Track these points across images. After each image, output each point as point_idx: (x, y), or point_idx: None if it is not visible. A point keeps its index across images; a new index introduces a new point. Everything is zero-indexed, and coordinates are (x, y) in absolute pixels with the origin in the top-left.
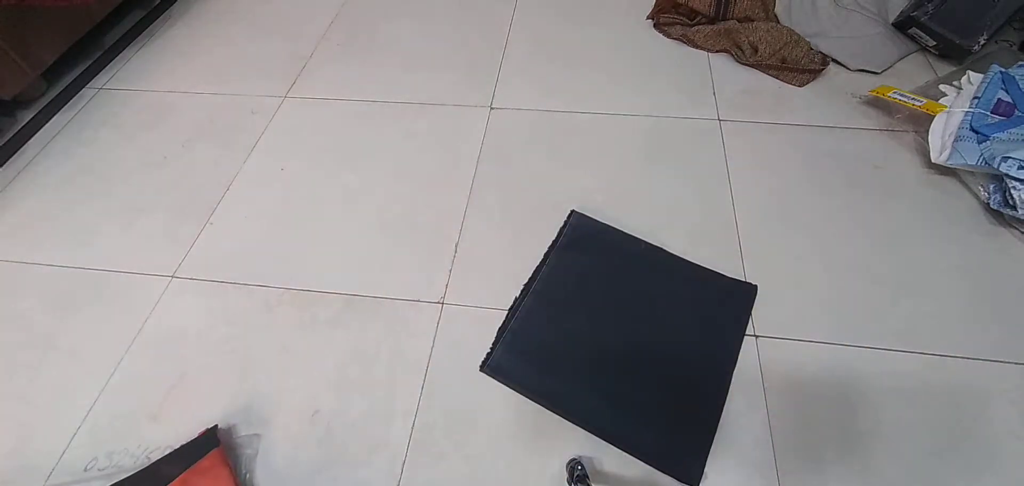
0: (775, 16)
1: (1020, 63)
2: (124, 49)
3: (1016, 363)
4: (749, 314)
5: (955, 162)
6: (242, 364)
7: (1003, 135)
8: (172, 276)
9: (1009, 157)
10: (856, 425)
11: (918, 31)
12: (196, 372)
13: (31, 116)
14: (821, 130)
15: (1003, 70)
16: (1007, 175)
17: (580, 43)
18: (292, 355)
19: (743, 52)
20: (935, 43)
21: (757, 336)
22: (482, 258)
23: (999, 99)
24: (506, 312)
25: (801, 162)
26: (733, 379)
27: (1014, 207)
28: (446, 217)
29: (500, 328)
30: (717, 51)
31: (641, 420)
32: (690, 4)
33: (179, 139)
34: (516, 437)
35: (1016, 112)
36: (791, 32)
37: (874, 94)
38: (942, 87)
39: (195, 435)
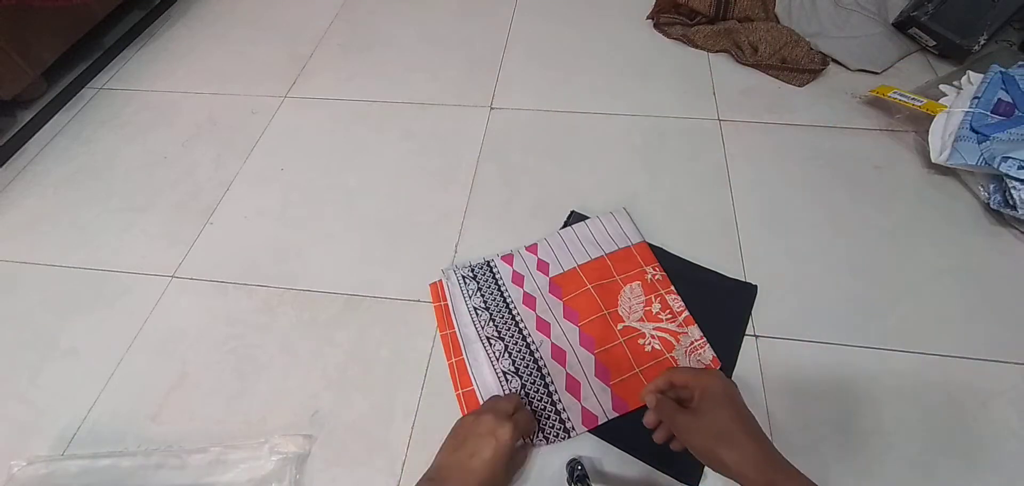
0: (775, 16)
1: (1020, 63)
2: (124, 49)
3: (1016, 363)
4: (749, 314)
5: (955, 162)
6: (242, 364)
7: (1003, 135)
8: (172, 276)
9: (1009, 157)
10: (856, 425)
11: (918, 31)
12: (196, 372)
13: (31, 116)
14: (821, 130)
15: (1003, 70)
16: (1007, 175)
17: (580, 43)
18: (292, 355)
19: (743, 52)
20: (935, 43)
21: (757, 336)
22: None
23: (999, 99)
24: None
25: (801, 162)
26: (733, 379)
27: (1014, 207)
28: (446, 217)
29: None
30: (717, 51)
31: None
32: (690, 4)
33: (179, 139)
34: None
35: (1016, 112)
36: (791, 32)
37: (874, 94)
38: (942, 87)
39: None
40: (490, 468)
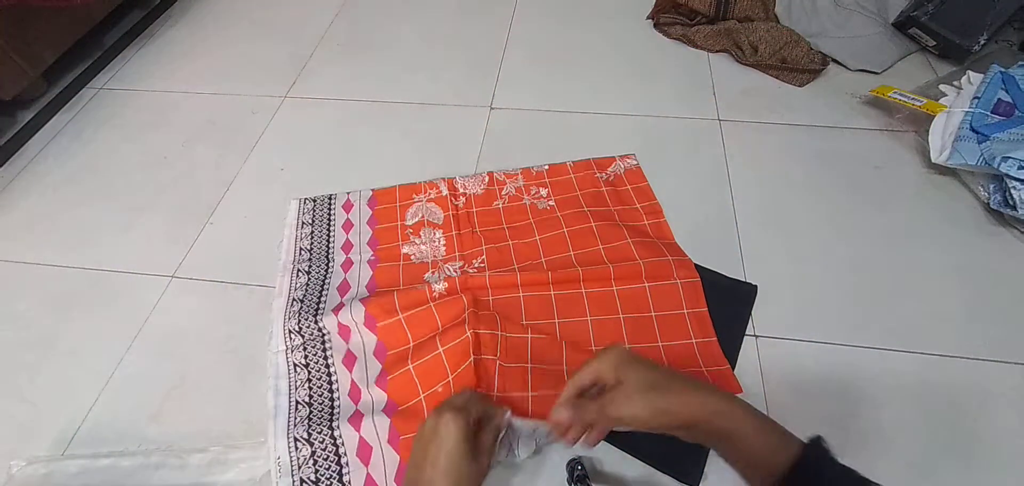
0: (775, 16)
1: (1020, 63)
2: (124, 49)
3: (1016, 363)
4: (749, 314)
5: (955, 162)
6: (242, 364)
7: (1003, 135)
8: (172, 276)
9: (1009, 157)
10: (856, 425)
11: (918, 31)
12: (196, 372)
13: (31, 116)
14: (821, 130)
15: (1003, 70)
16: (1007, 175)
17: (580, 43)
18: None
19: (743, 52)
20: (935, 43)
21: (757, 336)
22: None
23: (999, 99)
24: None
25: (801, 162)
26: (735, 374)
27: (1014, 207)
28: None
29: None
30: (717, 51)
31: None
32: (690, 4)
33: (179, 139)
34: None
35: (1016, 112)
36: (791, 32)
37: (874, 94)
38: (942, 87)
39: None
40: (446, 470)
